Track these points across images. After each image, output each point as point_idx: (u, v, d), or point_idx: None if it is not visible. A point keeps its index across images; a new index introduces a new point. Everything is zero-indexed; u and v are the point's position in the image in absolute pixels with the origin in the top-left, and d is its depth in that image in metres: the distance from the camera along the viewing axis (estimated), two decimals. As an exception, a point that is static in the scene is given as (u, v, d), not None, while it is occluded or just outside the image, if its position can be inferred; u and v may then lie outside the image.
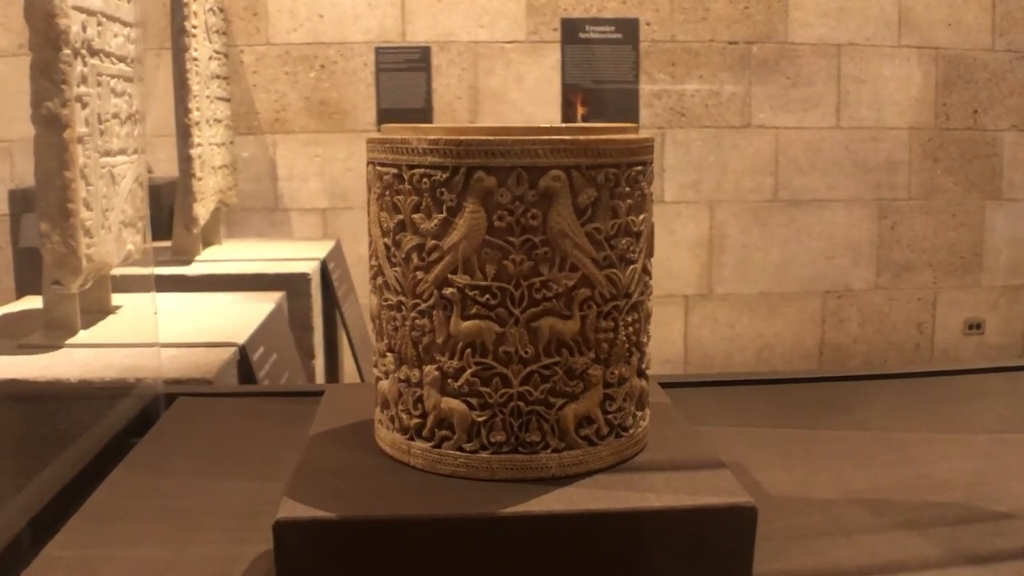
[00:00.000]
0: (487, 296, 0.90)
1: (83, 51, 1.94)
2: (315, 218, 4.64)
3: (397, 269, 0.94)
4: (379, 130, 1.00)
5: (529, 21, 4.75)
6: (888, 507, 1.12)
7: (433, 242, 0.91)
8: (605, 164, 0.91)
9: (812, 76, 4.76)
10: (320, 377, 2.99)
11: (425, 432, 0.95)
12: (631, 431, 0.98)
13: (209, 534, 1.06)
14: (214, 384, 1.78)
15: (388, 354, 0.97)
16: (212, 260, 2.92)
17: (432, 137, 0.89)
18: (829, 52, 4.73)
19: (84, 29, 1.95)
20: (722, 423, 1.42)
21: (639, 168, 0.96)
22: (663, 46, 4.83)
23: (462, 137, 0.88)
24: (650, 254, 0.99)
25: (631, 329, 0.97)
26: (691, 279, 5.02)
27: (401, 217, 0.93)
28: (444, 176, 0.89)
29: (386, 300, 0.96)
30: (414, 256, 0.92)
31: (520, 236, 0.89)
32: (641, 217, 0.96)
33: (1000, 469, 1.22)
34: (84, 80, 1.96)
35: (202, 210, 2.75)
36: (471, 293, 0.90)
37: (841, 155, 4.80)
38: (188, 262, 2.82)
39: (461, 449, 0.93)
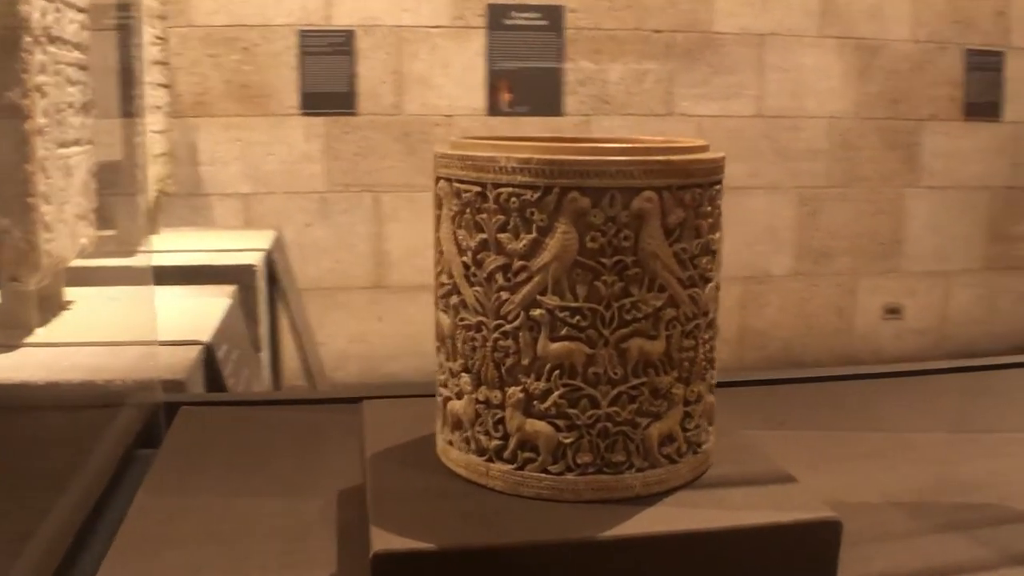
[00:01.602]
0: (577, 318, 0.89)
1: (42, 39, 1.85)
2: (236, 203, 4.54)
3: (478, 289, 0.92)
4: (452, 145, 0.97)
5: (455, 6, 4.70)
6: (926, 509, 1.15)
7: (521, 262, 0.89)
8: (692, 184, 0.91)
9: (735, 65, 4.84)
10: (266, 371, 2.93)
11: (507, 454, 0.93)
12: (704, 447, 0.99)
13: (260, 559, 1.03)
14: (185, 387, 1.73)
15: (464, 374, 0.95)
16: (155, 251, 2.83)
17: (523, 156, 0.88)
18: (752, 42, 4.81)
19: (43, 16, 1.86)
20: (735, 427, 1.43)
21: (717, 187, 0.96)
22: (588, 33, 4.85)
23: (555, 157, 0.87)
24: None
25: (708, 347, 0.97)
26: (614, 265, 5.06)
27: (484, 236, 0.91)
28: (535, 196, 0.88)
29: (463, 320, 0.95)
30: (498, 276, 0.91)
31: (612, 257, 0.88)
32: (717, 235, 0.96)
33: (1017, 470, 1.26)
34: (43, 69, 1.87)
35: (146, 200, 2.66)
36: (561, 315, 0.89)
37: (762, 143, 4.90)
38: (132, 253, 2.72)
39: (546, 471, 0.92)
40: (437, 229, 0.98)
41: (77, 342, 1.83)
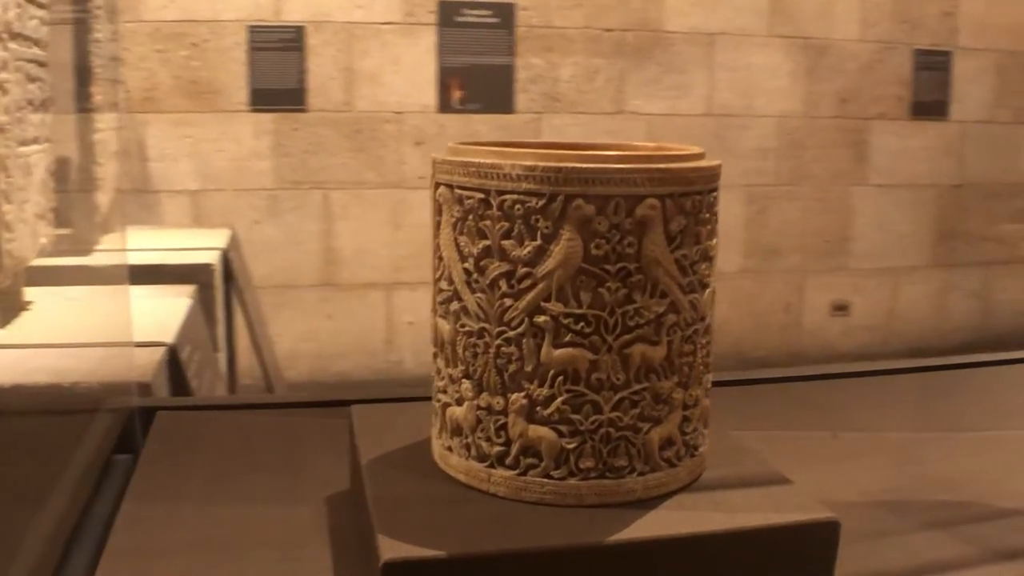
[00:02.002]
0: (581, 324, 0.89)
1: (4, 35, 1.81)
2: (185, 200, 4.48)
3: (480, 296, 0.92)
4: (450, 150, 0.97)
5: (406, 3, 4.69)
6: (908, 508, 1.18)
7: (525, 269, 0.90)
8: (692, 192, 0.92)
9: (685, 64, 4.89)
10: (223, 372, 2.89)
11: (509, 460, 0.94)
12: (700, 450, 1.00)
13: (257, 568, 1.02)
14: (152, 390, 1.70)
15: (464, 380, 0.95)
16: (113, 250, 2.78)
17: (528, 163, 0.88)
18: (702, 41, 4.86)
19: (5, 11, 1.82)
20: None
21: (714, 194, 0.97)
22: (539, 31, 4.86)
23: (561, 164, 0.87)
24: (713, 275, 1.01)
25: (705, 351, 0.98)
26: (565, 262, 5.08)
27: (488, 243, 0.91)
28: (540, 203, 0.88)
29: (464, 326, 0.95)
30: (502, 283, 0.91)
31: (616, 264, 0.89)
32: (714, 242, 0.97)
33: (996, 467, 1.30)
34: (4, 66, 1.83)
35: (104, 198, 2.62)
36: (565, 321, 0.89)
37: (711, 142, 4.95)
38: (88, 252, 2.67)
39: (548, 476, 0.93)
40: (436, 235, 0.98)
41: (46, 344, 1.80)
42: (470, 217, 0.92)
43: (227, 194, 4.50)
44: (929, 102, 5.06)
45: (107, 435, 1.35)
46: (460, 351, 0.95)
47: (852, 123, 5.02)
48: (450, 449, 0.99)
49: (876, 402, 1.57)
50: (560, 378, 0.91)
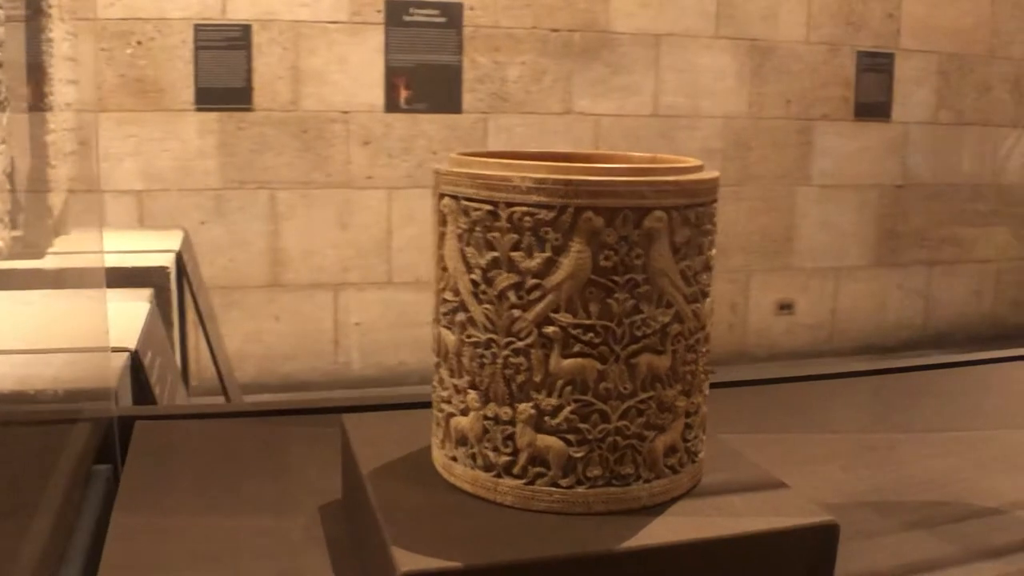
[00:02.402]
0: (590, 334, 0.91)
1: (-38, 38, 1.77)
2: (130, 200, 4.41)
3: (488, 307, 0.93)
4: (453, 159, 0.97)
5: (353, 1, 4.67)
6: (890, 508, 1.21)
7: (534, 281, 0.90)
8: (696, 204, 0.94)
9: (632, 65, 4.93)
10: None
11: (516, 469, 0.94)
12: (700, 455, 1.02)
13: (257, 580, 1.02)
14: (118, 396, 1.68)
15: (470, 391, 0.96)
16: (64, 252, 2.72)
17: (538, 176, 0.89)
18: (648, 42, 4.91)
19: (-37, 13, 1.78)
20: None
21: (715, 205, 0.98)
22: (487, 31, 4.87)
23: (571, 177, 0.88)
24: (710, 284, 1.03)
25: (705, 359, 1.00)
26: (513, 261, 5.10)
27: (496, 254, 0.91)
28: (550, 215, 0.89)
29: (470, 337, 0.95)
30: (510, 294, 0.91)
31: (624, 275, 0.90)
32: (713, 252, 0.99)
33: (969, 466, 1.33)
34: (-38, 70, 1.79)
35: (57, 199, 2.56)
36: (574, 332, 0.90)
37: (658, 142, 5.00)
38: (40, 255, 2.61)
39: (556, 485, 0.93)
40: (440, 246, 0.98)
41: (20, 350, 1.76)
42: (477, 228, 0.93)
43: (172, 194, 4.44)
44: (872, 103, 5.17)
45: (87, 446, 1.33)
46: (466, 362, 0.96)
47: (797, 124, 5.11)
48: (455, 459, 0.99)
49: (848, 403, 1.60)
50: (568, 388, 0.92)
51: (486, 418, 0.95)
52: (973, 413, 1.56)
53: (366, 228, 4.95)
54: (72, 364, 1.59)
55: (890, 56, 5.15)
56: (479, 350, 0.94)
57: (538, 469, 0.94)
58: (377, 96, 4.80)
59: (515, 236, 0.90)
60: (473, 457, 0.97)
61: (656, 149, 5.02)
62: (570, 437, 0.93)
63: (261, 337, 4.85)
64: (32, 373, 1.62)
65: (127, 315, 2.17)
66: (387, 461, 1.06)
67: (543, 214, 0.89)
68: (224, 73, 4.42)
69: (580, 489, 0.93)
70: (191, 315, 3.14)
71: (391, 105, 4.83)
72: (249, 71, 4.50)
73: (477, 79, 4.91)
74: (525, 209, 0.89)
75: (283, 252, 4.81)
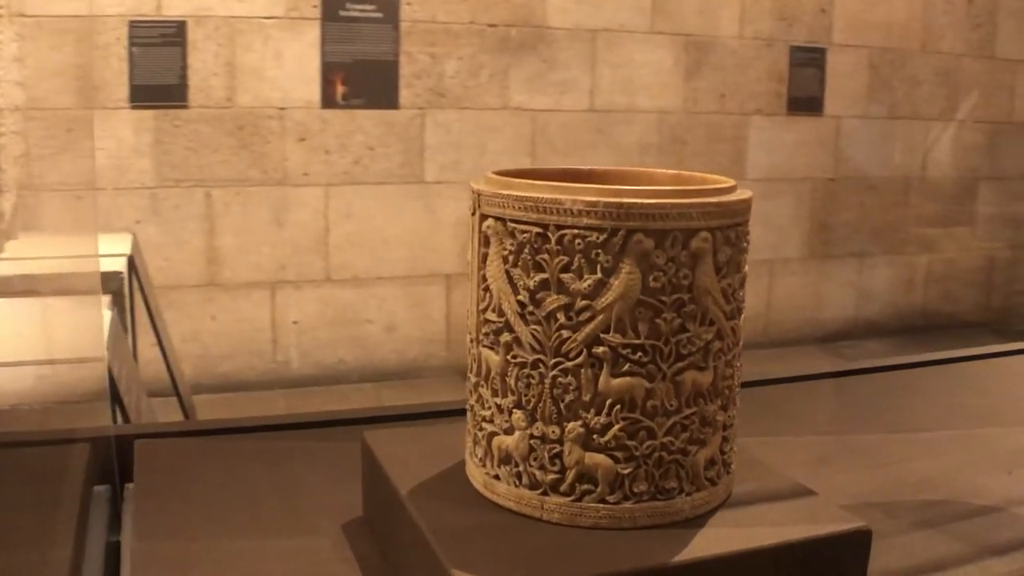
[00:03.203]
0: (639, 354, 0.92)
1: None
2: (65, 200, 4.29)
3: (536, 328, 0.94)
4: (490, 179, 0.98)
5: (289, -4, 4.61)
6: (895, 509, 1.25)
7: (584, 302, 0.92)
8: (736, 223, 0.96)
9: (568, 60, 4.96)
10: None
11: (563, 487, 0.96)
12: (733, 467, 1.04)
13: (296, 603, 1.01)
14: (96, 409, 1.65)
15: (516, 411, 0.97)
16: (16, 258, 2.65)
17: (589, 199, 0.90)
18: (584, 37, 4.95)
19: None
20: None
21: (748, 224, 1.01)
22: (424, 26, 4.86)
23: (623, 200, 0.90)
24: (739, 299, 1.05)
25: (739, 373, 1.02)
26: (452, 258, 5.11)
27: (545, 276, 0.93)
28: (601, 238, 0.90)
29: (515, 357, 0.96)
30: (559, 315, 0.93)
31: (672, 295, 0.92)
32: (747, 269, 1.02)
33: (960, 465, 1.38)
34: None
35: (7, 204, 2.49)
36: (623, 351, 0.92)
37: (595, 137, 5.05)
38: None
39: (604, 501, 0.95)
40: (482, 267, 0.99)
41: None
42: (525, 250, 0.93)
43: (107, 193, 4.34)
44: (804, 98, 5.28)
45: (89, 466, 1.30)
46: (512, 382, 0.97)
47: (731, 119, 5.19)
48: (497, 477, 1.00)
49: (832, 405, 1.65)
50: (617, 407, 0.93)
51: (532, 437, 0.96)
52: (957, 411, 1.62)
53: (303, 225, 4.90)
54: (61, 378, 1.56)
55: (822, 51, 5.27)
56: (526, 370, 0.95)
57: (586, 486, 0.95)
58: (313, 92, 4.75)
59: (565, 258, 0.92)
60: (518, 476, 0.98)
61: (593, 143, 5.06)
62: (618, 454, 0.94)
63: (198, 337, 4.78)
64: (22, 388, 1.59)
65: (89, 323, 2.13)
66: (422, 480, 1.06)
67: (594, 236, 0.90)
68: (159, 70, 4.33)
69: (627, 504, 0.95)
70: (139, 319, 3.08)
71: (328, 101, 4.78)
72: (184, 68, 4.42)
73: (414, 74, 4.89)
74: (576, 232, 0.91)
75: (219, 251, 4.74)
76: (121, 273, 2.59)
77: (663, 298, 0.92)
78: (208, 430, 1.43)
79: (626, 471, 0.95)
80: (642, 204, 0.90)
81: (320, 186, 4.86)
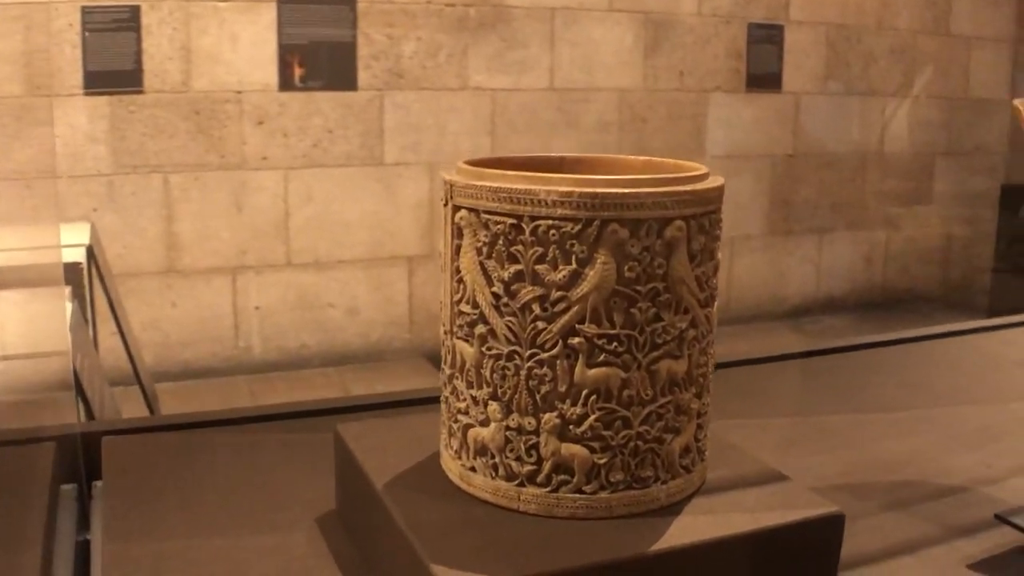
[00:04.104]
0: (615, 344, 0.92)
1: None
2: (17, 188, 4.21)
3: (511, 319, 0.93)
4: (463, 169, 0.97)
5: (244, -22, 4.54)
6: (864, 490, 1.26)
7: (559, 293, 0.91)
8: (709, 211, 0.96)
9: (527, 39, 4.94)
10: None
11: (540, 478, 0.95)
12: (706, 453, 1.05)
13: (272, 599, 1.01)
14: (60, 404, 1.62)
15: (492, 402, 0.96)
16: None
17: (563, 189, 0.90)
18: (543, 16, 4.93)
19: None
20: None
21: (721, 211, 1.01)
22: (381, 7, 4.81)
23: (597, 190, 0.89)
24: (711, 286, 1.05)
25: (713, 360, 1.02)
26: (413, 240, 5.09)
27: (520, 267, 0.92)
28: (576, 228, 0.90)
29: (490, 349, 0.95)
30: (534, 306, 0.92)
31: (646, 284, 0.92)
32: (720, 256, 1.02)
33: (928, 446, 1.40)
34: None
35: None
36: (599, 342, 0.92)
37: (555, 116, 5.04)
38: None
39: (580, 491, 0.95)
40: (455, 259, 0.98)
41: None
42: (500, 242, 0.93)
43: (62, 181, 4.27)
44: (763, 74, 5.29)
45: (55, 465, 1.28)
46: (487, 374, 0.96)
47: (690, 96, 5.20)
48: (473, 469, 1.00)
49: (799, 386, 1.66)
50: (593, 397, 0.93)
51: (508, 428, 0.96)
52: (924, 390, 1.63)
53: (262, 210, 4.86)
54: (21, 372, 1.53)
55: (780, 27, 5.28)
56: (501, 362, 0.95)
57: (562, 477, 0.95)
58: (270, 75, 4.70)
59: (540, 249, 0.91)
60: (495, 467, 0.98)
61: (553, 122, 5.05)
62: (594, 444, 0.94)
63: (158, 325, 4.73)
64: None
65: (49, 316, 2.09)
66: (397, 473, 1.05)
67: (569, 227, 0.90)
68: (113, 56, 4.26)
69: (603, 494, 0.95)
70: (99, 307, 3.04)
71: (285, 83, 4.73)
72: (139, 53, 4.34)
73: (372, 55, 4.85)
74: (551, 223, 0.90)
75: (178, 237, 4.69)
76: (81, 264, 2.55)
77: (638, 288, 0.92)
78: (176, 424, 1.41)
79: (602, 461, 0.94)
80: (616, 194, 0.90)
81: (279, 170, 4.81)
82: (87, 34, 4.17)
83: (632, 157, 1.12)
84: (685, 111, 5.19)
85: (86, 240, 2.84)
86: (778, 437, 1.44)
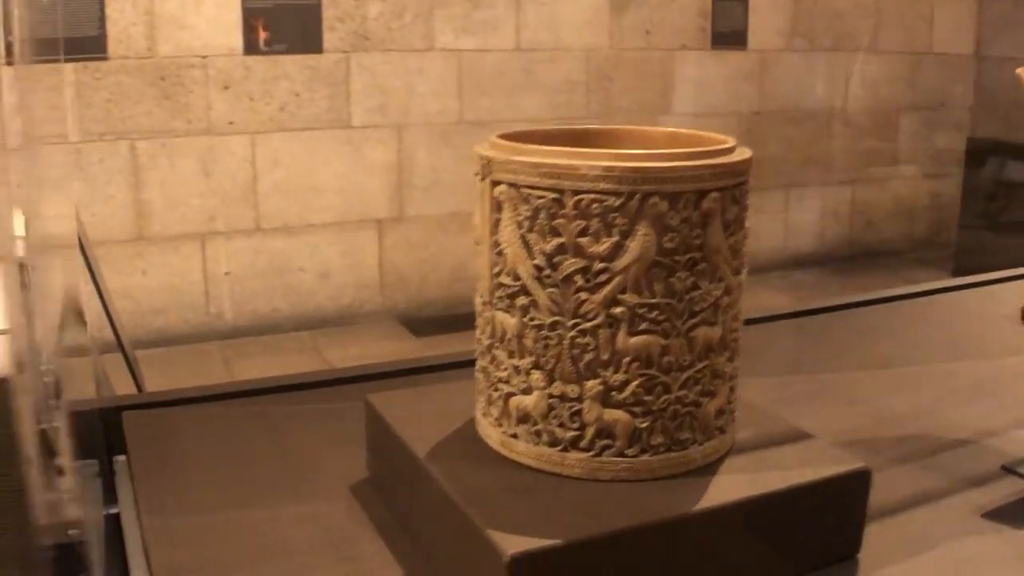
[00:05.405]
0: (655, 312, 0.95)
1: None
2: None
3: (554, 290, 0.96)
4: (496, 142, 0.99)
5: (206, -60, 4.47)
6: (876, 445, 1.31)
7: (602, 264, 0.94)
8: (740, 182, 0.99)
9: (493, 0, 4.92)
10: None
11: (583, 443, 0.99)
12: (736, 414, 1.08)
13: (326, 572, 1.03)
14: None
15: (535, 371, 0.99)
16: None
17: (606, 164, 0.92)
18: (509, -25, 4.90)
19: None
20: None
21: (749, 182, 1.04)
22: (346, -32, 4.76)
23: (639, 164, 0.92)
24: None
25: (741, 325, 1.06)
26: (382, 203, 5.08)
27: (562, 240, 0.94)
28: (618, 202, 0.92)
29: (532, 320, 0.98)
30: (577, 278, 0.95)
31: (685, 255, 0.95)
32: (748, 224, 1.05)
33: (930, 400, 1.45)
34: None
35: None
36: (640, 311, 0.95)
37: (522, 77, 5.02)
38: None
39: (622, 455, 0.98)
40: (494, 232, 1.00)
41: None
42: (541, 215, 0.95)
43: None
44: (728, 32, 5.31)
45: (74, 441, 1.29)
46: (529, 343, 0.99)
47: (657, 54, 5.21)
48: (515, 436, 1.02)
49: (796, 344, 1.70)
50: (635, 364, 0.96)
51: (551, 396, 0.99)
52: (916, 347, 1.68)
53: (230, 175, 4.81)
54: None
55: (745, -16, 5.31)
56: (543, 332, 0.97)
57: (605, 442, 0.98)
58: (235, 39, 4.63)
59: (582, 222, 0.93)
60: (537, 434, 1.00)
61: (520, 83, 5.04)
62: (636, 409, 0.97)
63: (129, 292, 4.68)
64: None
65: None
66: (436, 442, 1.08)
67: (611, 200, 0.92)
68: (77, 22, 4.18)
69: (644, 457, 0.99)
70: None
71: (250, 47, 4.67)
72: (102, 19, 4.27)
73: (337, 17, 4.80)
74: (593, 196, 0.93)
75: (147, 204, 4.64)
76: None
77: (677, 258, 0.95)
78: (195, 398, 1.42)
79: (643, 425, 0.98)
80: (657, 168, 0.92)
81: (246, 134, 4.76)
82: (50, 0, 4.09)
83: (654, 129, 1.15)
84: (652, 69, 5.20)
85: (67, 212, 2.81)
86: (784, 395, 1.48)
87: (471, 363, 1.09)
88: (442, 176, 5.03)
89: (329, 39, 4.84)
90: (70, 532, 1.00)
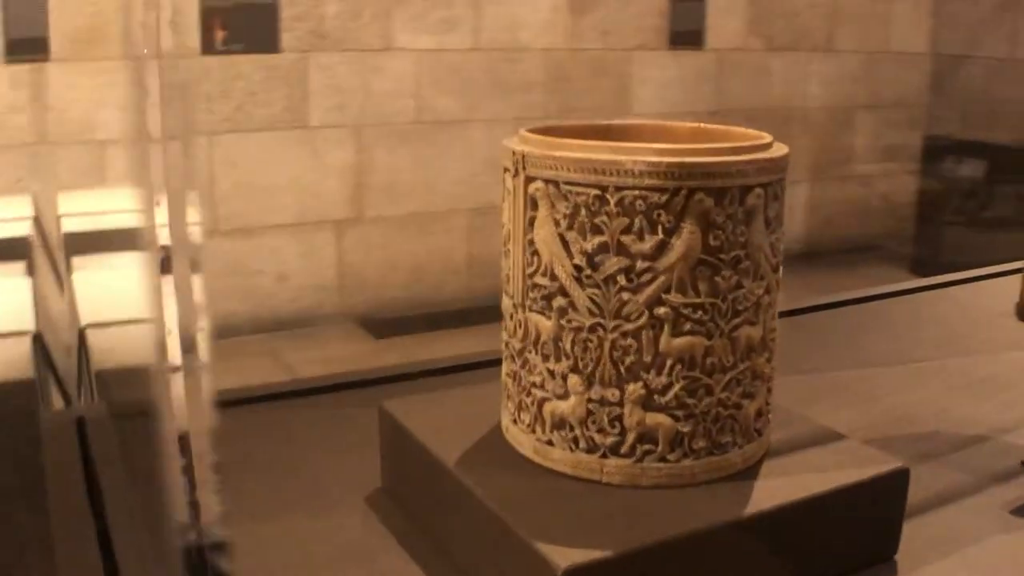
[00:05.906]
0: (700, 312, 0.92)
1: None
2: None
3: (595, 291, 0.92)
4: (523, 137, 0.95)
5: (159, -64, 4.37)
6: (893, 444, 1.29)
7: (645, 263, 0.91)
8: (780, 179, 0.97)
9: (452, -1, 4.88)
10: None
11: (623, 449, 0.95)
12: (771, 416, 1.06)
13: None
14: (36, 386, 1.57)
15: (572, 375, 0.96)
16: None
17: (650, 159, 0.89)
18: (468, -26, 4.86)
19: None
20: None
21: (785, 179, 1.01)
22: (303, -34, 4.68)
23: (684, 160, 0.89)
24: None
25: (777, 323, 1.04)
26: (341, 204, 5.02)
27: (604, 239, 0.91)
28: (663, 198, 0.89)
29: (570, 322, 0.94)
30: (620, 278, 0.91)
31: (729, 253, 0.92)
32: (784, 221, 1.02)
33: (944, 396, 1.44)
34: None
35: None
36: (684, 311, 0.92)
37: (480, 76, 4.98)
38: None
39: (664, 460, 0.95)
40: (528, 231, 0.96)
41: None
42: (582, 213, 0.92)
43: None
44: (685, 32, 5.32)
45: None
46: (567, 346, 0.95)
47: (614, 55, 5.20)
48: (550, 443, 0.99)
49: (797, 342, 1.68)
50: (678, 366, 0.93)
51: (590, 401, 0.95)
52: (918, 344, 1.67)
53: (186, 177, 4.71)
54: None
55: (702, -16, 5.31)
56: (583, 334, 0.94)
57: (646, 447, 0.95)
58: (192, 38, 4.54)
59: (625, 219, 0.90)
60: (575, 440, 0.97)
61: (479, 83, 5.00)
62: (678, 413, 0.94)
63: (82, 299, 4.57)
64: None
65: (9, 293, 2.01)
66: (463, 449, 1.04)
67: (656, 197, 0.89)
68: (35, 23, 4.07)
69: (686, 462, 0.96)
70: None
71: (207, 47, 4.58)
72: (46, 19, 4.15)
73: (294, 17, 4.73)
74: (637, 193, 0.89)
75: (100, 207, 4.53)
76: (28, 238, 2.44)
77: (722, 256, 0.92)
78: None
79: (686, 429, 0.95)
80: (703, 163, 0.89)
81: (202, 135, 4.67)
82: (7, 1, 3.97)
83: (679, 124, 1.13)
84: (610, 70, 5.19)
85: (30, 212, 2.72)
86: (796, 394, 1.45)
87: (471, 367, 1.06)
88: (400, 176, 4.98)
89: (286, 39, 4.77)
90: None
